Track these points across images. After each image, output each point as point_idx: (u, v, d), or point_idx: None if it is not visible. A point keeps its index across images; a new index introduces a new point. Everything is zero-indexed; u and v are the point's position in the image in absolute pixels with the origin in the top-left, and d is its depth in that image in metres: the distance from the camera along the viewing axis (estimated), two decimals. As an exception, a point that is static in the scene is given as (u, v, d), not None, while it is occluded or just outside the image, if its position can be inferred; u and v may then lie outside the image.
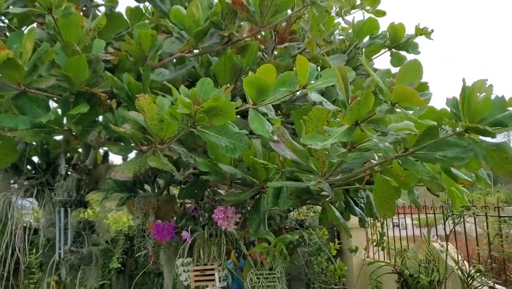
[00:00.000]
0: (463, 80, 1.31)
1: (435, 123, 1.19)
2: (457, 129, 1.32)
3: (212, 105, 1.46)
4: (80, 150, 3.11)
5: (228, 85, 1.64)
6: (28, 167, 3.11)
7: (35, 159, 3.20)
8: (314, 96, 1.44)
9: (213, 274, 2.52)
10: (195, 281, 2.53)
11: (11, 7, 2.01)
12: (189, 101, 1.46)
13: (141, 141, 1.88)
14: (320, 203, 2.31)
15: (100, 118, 2.30)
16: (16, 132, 1.79)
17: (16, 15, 2.04)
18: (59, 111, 1.95)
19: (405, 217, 5.48)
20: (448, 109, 1.42)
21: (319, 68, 2.69)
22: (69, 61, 1.86)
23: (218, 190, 3.06)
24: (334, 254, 5.17)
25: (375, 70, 2.80)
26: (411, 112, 1.27)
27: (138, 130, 1.75)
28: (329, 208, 1.95)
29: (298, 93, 1.90)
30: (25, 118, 1.80)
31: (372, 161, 1.63)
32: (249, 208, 2.93)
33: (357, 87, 1.72)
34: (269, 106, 1.58)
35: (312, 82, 1.48)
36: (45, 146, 3.12)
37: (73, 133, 1.90)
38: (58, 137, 2.80)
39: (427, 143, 1.35)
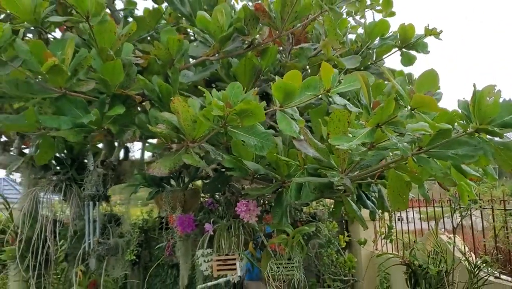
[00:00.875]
0: (474, 85, 1.45)
1: (450, 127, 1.32)
2: (468, 129, 1.45)
3: (243, 108, 1.61)
4: (99, 146, 3.25)
5: (256, 89, 1.77)
6: (53, 162, 3.26)
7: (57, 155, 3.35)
8: (338, 100, 1.58)
9: (234, 264, 2.67)
10: (217, 270, 2.69)
11: (49, 14, 2.16)
12: (222, 104, 1.60)
13: (172, 140, 2.03)
14: (334, 197, 2.45)
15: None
16: (59, 132, 1.94)
17: (54, 22, 2.19)
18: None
19: (413, 211, 5.60)
20: (459, 110, 1.55)
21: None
22: (105, 66, 2.00)
23: (235, 185, 3.21)
24: (343, 246, 5.31)
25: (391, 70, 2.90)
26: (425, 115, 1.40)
27: (172, 130, 1.89)
28: (347, 201, 2.08)
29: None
30: (66, 119, 1.95)
31: (387, 158, 1.77)
32: (266, 202, 3.08)
33: (373, 89, 1.85)
34: (294, 108, 1.72)
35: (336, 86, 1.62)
36: (69, 143, 3.25)
37: (111, 132, 2.04)
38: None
39: (440, 142, 1.49)
